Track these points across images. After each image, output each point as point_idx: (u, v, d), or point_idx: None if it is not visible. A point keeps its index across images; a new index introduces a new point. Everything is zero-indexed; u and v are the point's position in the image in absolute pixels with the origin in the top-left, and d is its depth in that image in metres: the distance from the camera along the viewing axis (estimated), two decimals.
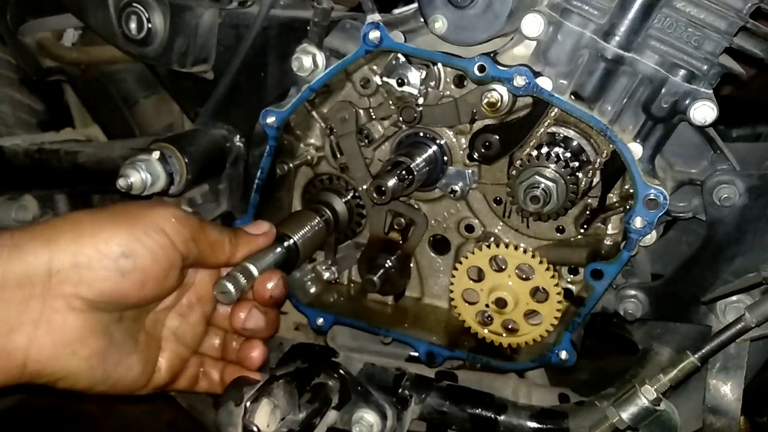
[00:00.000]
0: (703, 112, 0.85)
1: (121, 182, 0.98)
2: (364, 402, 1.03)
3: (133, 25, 1.08)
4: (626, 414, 0.88)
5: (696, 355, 0.86)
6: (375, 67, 1.06)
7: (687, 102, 0.86)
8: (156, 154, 1.01)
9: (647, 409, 0.87)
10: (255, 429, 0.88)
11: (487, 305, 1.05)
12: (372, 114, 1.09)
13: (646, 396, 0.87)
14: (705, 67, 0.84)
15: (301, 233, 1.02)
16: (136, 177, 0.99)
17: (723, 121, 0.93)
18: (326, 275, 1.19)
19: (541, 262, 1.01)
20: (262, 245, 0.94)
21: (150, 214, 0.79)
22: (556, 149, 0.97)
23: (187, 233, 0.81)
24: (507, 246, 1.02)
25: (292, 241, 1.01)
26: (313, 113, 1.11)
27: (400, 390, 1.06)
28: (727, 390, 0.98)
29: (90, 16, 1.14)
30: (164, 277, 0.80)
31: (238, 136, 1.15)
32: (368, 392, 1.04)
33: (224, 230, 0.90)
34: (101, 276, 0.74)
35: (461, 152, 1.07)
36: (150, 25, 1.07)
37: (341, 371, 1.03)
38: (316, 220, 1.07)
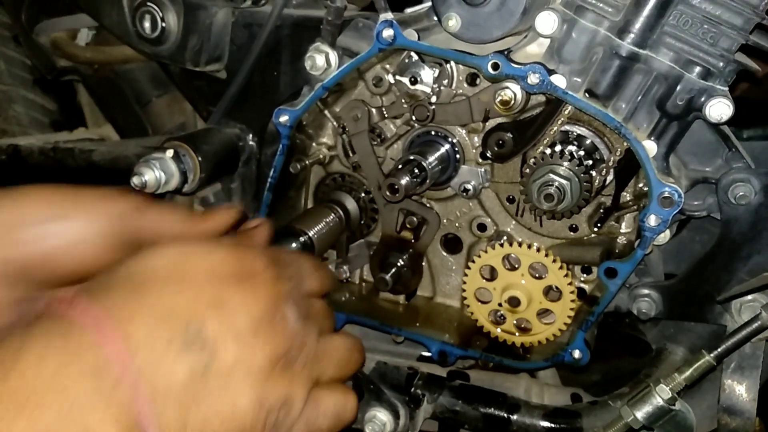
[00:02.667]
0: (719, 109, 0.84)
1: (135, 180, 0.99)
2: (376, 401, 1.03)
3: (147, 24, 1.09)
4: (641, 413, 0.87)
5: (712, 354, 0.85)
6: (388, 66, 1.06)
7: (702, 99, 0.86)
8: (170, 153, 1.01)
9: (662, 409, 0.87)
10: None
11: (499, 304, 1.05)
12: (384, 113, 1.09)
13: (661, 395, 0.86)
14: (721, 64, 0.84)
15: (316, 229, 1.03)
16: (150, 175, 0.99)
17: (733, 122, 0.92)
18: (338, 274, 1.19)
19: (554, 260, 1.00)
20: (221, 221, 0.81)
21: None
22: (570, 147, 0.97)
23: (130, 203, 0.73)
24: (520, 245, 1.02)
25: (308, 236, 1.01)
26: (326, 112, 1.12)
27: (412, 389, 1.06)
28: (742, 390, 0.97)
29: (104, 16, 1.15)
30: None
31: (250, 135, 1.15)
32: (381, 391, 1.04)
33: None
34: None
35: (474, 151, 1.07)
36: (164, 24, 1.08)
37: None
38: (331, 217, 1.08)
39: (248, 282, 0.65)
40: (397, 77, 1.03)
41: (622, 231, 1.04)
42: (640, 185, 1.00)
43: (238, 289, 0.64)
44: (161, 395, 0.55)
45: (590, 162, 0.97)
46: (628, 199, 1.02)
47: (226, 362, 0.60)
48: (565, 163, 0.95)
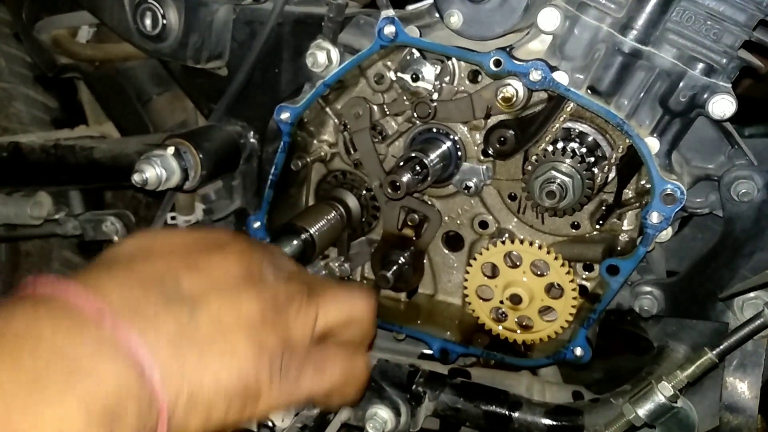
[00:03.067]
0: (722, 106, 0.84)
1: (136, 177, 0.99)
2: (377, 398, 1.03)
3: (148, 21, 1.09)
4: (643, 411, 0.87)
5: (714, 352, 0.85)
6: (389, 63, 1.06)
7: (705, 96, 0.85)
8: (171, 150, 1.01)
9: (664, 406, 0.86)
10: (270, 424, 0.88)
11: (501, 302, 1.05)
12: (386, 110, 1.08)
13: (663, 392, 0.86)
14: (724, 61, 0.84)
15: (317, 226, 1.03)
16: (151, 172, 0.99)
17: (736, 120, 0.92)
18: (339, 272, 1.19)
19: (556, 258, 1.00)
20: None
21: None
22: (572, 144, 0.97)
23: None
24: (522, 242, 1.02)
25: (309, 233, 1.01)
26: (327, 109, 1.11)
27: (414, 386, 1.06)
28: (744, 388, 0.97)
29: (105, 13, 1.15)
30: None
31: (252, 133, 1.15)
32: (382, 388, 1.04)
33: None
34: None
35: (475, 148, 1.07)
36: (165, 21, 1.08)
37: None
38: (333, 214, 1.08)
39: (219, 250, 0.67)
40: (399, 74, 1.02)
41: (624, 228, 1.04)
42: (643, 182, 1.00)
43: (210, 255, 0.65)
44: (152, 343, 0.55)
45: (592, 159, 0.97)
46: (630, 196, 1.02)
47: (212, 313, 0.60)
48: (567, 160, 0.95)
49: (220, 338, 0.60)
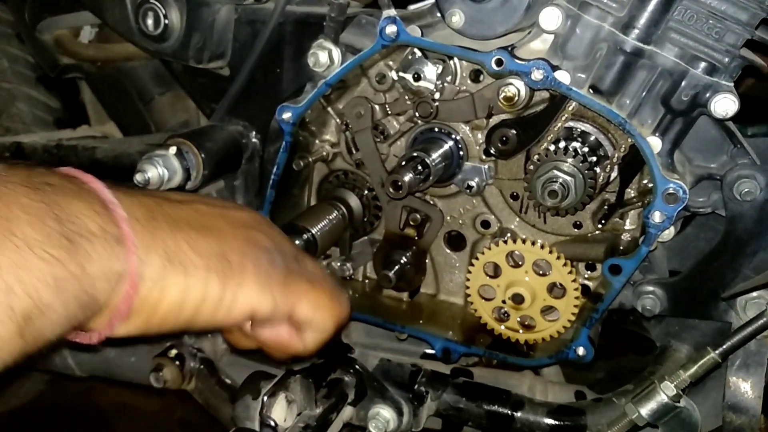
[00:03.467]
0: (725, 105, 0.84)
1: (138, 177, 0.99)
2: (380, 398, 1.03)
3: (149, 22, 1.09)
4: (645, 410, 0.87)
5: (717, 351, 0.85)
6: (391, 63, 1.06)
7: (708, 95, 0.85)
8: (173, 150, 1.01)
9: (667, 406, 0.86)
10: (272, 423, 0.88)
11: (503, 301, 1.05)
12: (387, 109, 1.08)
13: (665, 392, 0.86)
14: (726, 60, 0.84)
15: (319, 226, 1.03)
16: (153, 172, 0.99)
17: (737, 119, 0.92)
18: (341, 271, 1.19)
19: (558, 257, 1.00)
20: None
21: None
22: (574, 144, 0.97)
23: None
24: (524, 242, 1.02)
25: (311, 233, 1.01)
26: (329, 109, 1.11)
27: (416, 386, 1.06)
28: (747, 387, 0.97)
29: (107, 13, 1.15)
30: None
31: (253, 132, 1.15)
32: (384, 388, 1.04)
33: None
34: None
35: (477, 147, 1.07)
36: (167, 21, 1.08)
37: (357, 367, 1.03)
38: (334, 214, 1.08)
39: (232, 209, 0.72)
40: (401, 74, 1.02)
41: (626, 228, 1.04)
42: (645, 182, 1.00)
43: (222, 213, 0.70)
44: (125, 198, 0.59)
45: (594, 158, 0.96)
46: (633, 195, 1.02)
47: (196, 208, 0.64)
48: (569, 160, 0.95)
49: (201, 222, 0.62)
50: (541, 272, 1.02)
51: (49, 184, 0.55)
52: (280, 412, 0.90)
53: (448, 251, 1.17)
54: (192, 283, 0.59)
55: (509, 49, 0.90)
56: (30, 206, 0.52)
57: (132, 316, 0.58)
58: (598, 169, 0.97)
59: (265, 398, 0.90)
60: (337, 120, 1.13)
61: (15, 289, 0.48)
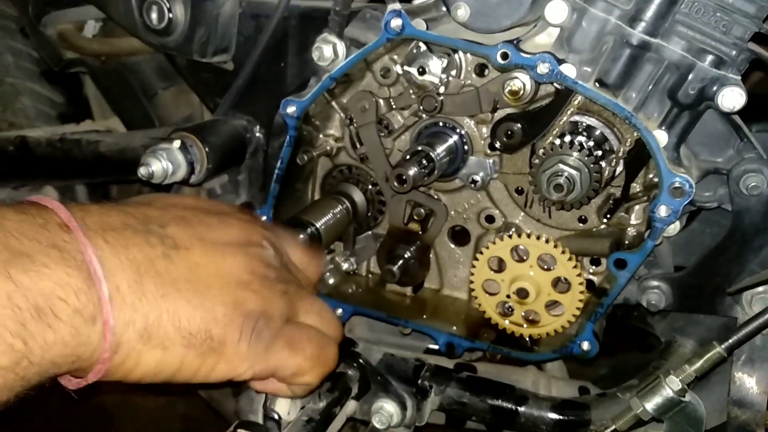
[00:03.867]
0: (732, 98, 0.84)
1: (142, 171, 0.99)
2: (383, 392, 1.03)
3: (154, 15, 1.09)
4: (650, 405, 0.87)
5: (723, 346, 0.85)
6: (395, 57, 1.06)
7: (715, 88, 0.85)
8: (177, 143, 1.01)
9: (672, 400, 0.86)
10: (275, 416, 0.88)
11: (508, 296, 1.05)
12: (392, 104, 1.08)
13: (671, 386, 0.86)
14: (733, 53, 0.83)
15: (323, 220, 1.03)
16: (157, 166, 0.99)
17: (742, 117, 0.92)
18: (345, 266, 1.19)
19: (563, 252, 1.00)
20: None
21: None
22: (579, 138, 0.96)
23: None
24: (529, 236, 1.01)
25: (315, 227, 1.01)
26: (333, 103, 1.11)
27: (420, 380, 1.06)
28: (752, 383, 0.96)
29: (111, 7, 1.15)
30: None
31: (258, 127, 1.15)
32: (388, 382, 1.03)
33: None
34: None
35: (482, 142, 1.06)
36: (171, 15, 1.08)
37: (361, 361, 1.03)
38: (339, 208, 1.07)
39: (222, 215, 0.67)
40: (405, 68, 1.02)
41: (631, 222, 1.03)
42: (650, 176, 1.00)
43: (209, 216, 0.66)
44: (114, 264, 0.55)
45: (600, 153, 0.96)
46: (638, 190, 1.01)
47: (190, 259, 0.59)
48: (575, 154, 0.95)
49: (191, 282, 0.59)
50: (545, 267, 1.02)
51: (22, 237, 0.51)
52: (283, 405, 0.89)
53: (452, 246, 1.17)
54: (168, 358, 0.58)
55: (515, 42, 0.90)
56: None
57: (107, 375, 0.58)
58: (603, 164, 0.97)
59: None
60: (341, 114, 1.12)
61: None
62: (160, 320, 0.57)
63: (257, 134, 1.16)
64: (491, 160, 1.07)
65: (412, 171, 0.97)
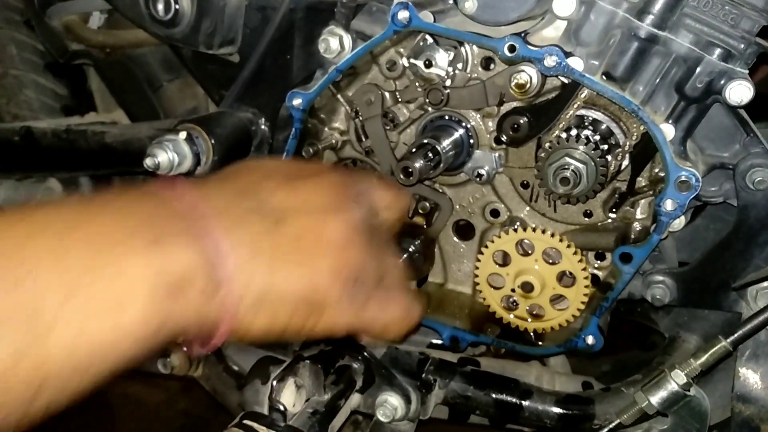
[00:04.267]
0: (740, 91, 0.83)
1: (148, 161, 0.98)
2: (388, 385, 1.02)
3: (160, 7, 1.08)
4: (655, 399, 0.87)
5: (728, 340, 0.85)
6: (402, 50, 1.05)
7: (722, 82, 0.85)
8: (183, 134, 1.01)
9: (677, 394, 0.86)
10: (281, 407, 0.88)
11: (512, 290, 1.05)
12: (398, 97, 1.08)
13: (676, 380, 0.86)
14: (742, 46, 0.83)
15: None
16: (163, 156, 0.99)
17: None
18: None
19: (568, 246, 1.00)
20: None
21: None
22: (585, 132, 0.96)
23: None
24: (534, 230, 1.01)
25: None
26: (338, 96, 1.11)
27: (424, 374, 1.06)
28: (757, 378, 0.96)
29: None
30: None
31: (263, 119, 1.15)
32: (392, 375, 1.03)
33: None
34: None
35: (488, 135, 1.06)
36: (177, 6, 1.07)
37: (365, 354, 1.03)
38: None
39: (316, 176, 0.74)
40: (412, 60, 1.02)
41: (637, 217, 1.03)
42: (656, 170, 1.00)
43: (306, 180, 0.72)
44: (234, 240, 0.61)
45: (606, 147, 0.96)
46: (644, 184, 1.01)
47: (296, 228, 0.66)
48: (581, 147, 0.94)
49: (298, 251, 0.66)
50: (550, 261, 1.02)
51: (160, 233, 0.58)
52: (289, 396, 0.90)
53: (457, 240, 1.17)
54: (277, 321, 0.66)
55: (522, 35, 0.90)
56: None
57: (225, 340, 0.65)
58: (609, 157, 0.96)
59: (275, 383, 0.90)
60: (347, 107, 1.12)
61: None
62: (273, 285, 0.64)
63: (262, 127, 1.15)
64: (497, 154, 1.07)
65: (418, 164, 0.97)
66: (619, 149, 0.97)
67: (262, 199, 0.67)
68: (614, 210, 1.04)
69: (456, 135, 1.05)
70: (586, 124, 0.98)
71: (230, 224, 0.62)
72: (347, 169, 0.95)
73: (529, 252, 1.03)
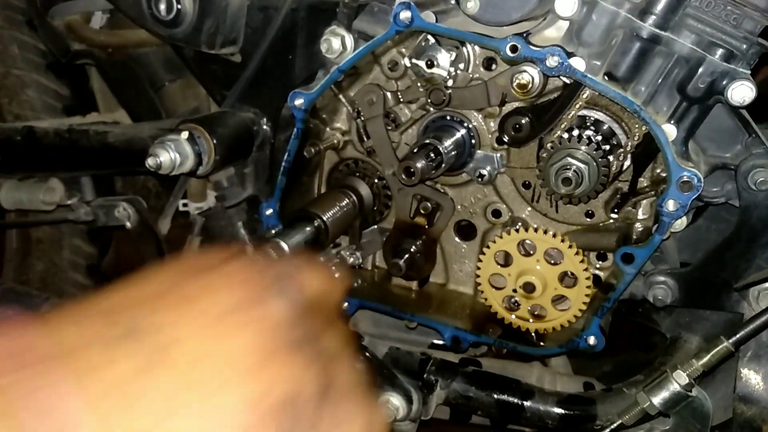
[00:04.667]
0: (742, 92, 0.83)
1: (150, 161, 0.98)
2: (389, 385, 1.02)
3: (162, 7, 1.08)
4: (657, 399, 0.87)
5: (730, 340, 0.85)
6: (403, 50, 1.06)
7: (724, 82, 0.85)
8: (185, 134, 1.01)
9: (679, 395, 0.86)
10: None
11: (514, 290, 1.05)
12: (400, 97, 1.08)
13: (678, 381, 0.86)
14: (744, 47, 0.83)
15: (330, 213, 1.03)
16: (165, 156, 0.99)
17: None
18: (351, 260, 1.19)
19: (570, 246, 1.00)
20: None
21: None
22: (587, 132, 0.96)
23: None
24: (536, 230, 1.01)
25: (321, 220, 1.01)
26: (340, 96, 1.11)
27: (425, 374, 1.06)
28: (759, 379, 0.96)
29: None
30: None
31: (264, 119, 1.15)
32: (394, 376, 1.03)
33: None
34: None
35: (489, 136, 1.06)
36: (179, 6, 1.07)
37: (367, 354, 1.03)
38: (345, 202, 1.08)
39: (215, 273, 0.52)
40: (414, 60, 1.02)
41: (639, 217, 1.03)
42: (658, 171, 1.00)
43: (200, 280, 0.51)
44: (91, 392, 0.42)
45: (607, 147, 0.96)
46: (645, 185, 1.01)
47: (191, 350, 0.46)
48: (583, 147, 0.95)
49: (195, 387, 0.45)
50: (552, 261, 1.02)
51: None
52: None
53: (458, 240, 1.17)
54: None
55: (524, 35, 0.90)
56: None
57: None
58: (611, 158, 0.96)
59: None
60: (349, 108, 1.12)
61: None
62: None
63: (264, 127, 1.15)
64: (499, 154, 1.07)
65: (420, 164, 0.97)
66: (621, 149, 0.97)
67: (137, 319, 0.46)
68: (616, 210, 1.04)
69: (458, 135, 1.05)
70: (588, 124, 0.98)
71: (85, 368, 0.42)
72: (264, 254, 0.64)
73: (531, 252, 1.03)
